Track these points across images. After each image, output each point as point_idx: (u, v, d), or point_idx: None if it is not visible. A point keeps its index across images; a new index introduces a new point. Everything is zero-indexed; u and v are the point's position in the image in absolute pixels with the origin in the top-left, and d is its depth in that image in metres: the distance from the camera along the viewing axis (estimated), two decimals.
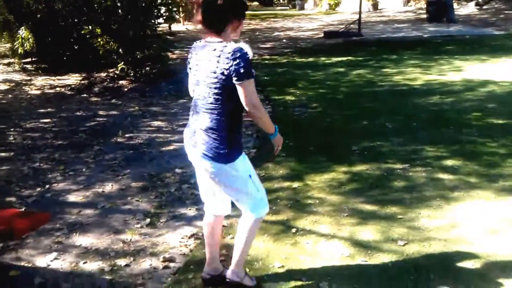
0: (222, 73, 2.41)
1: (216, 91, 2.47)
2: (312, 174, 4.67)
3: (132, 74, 9.16)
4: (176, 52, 12.39)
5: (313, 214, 3.87)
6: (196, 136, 2.60)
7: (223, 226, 3.47)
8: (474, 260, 3.18)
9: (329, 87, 8.60)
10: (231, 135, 2.56)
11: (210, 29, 2.47)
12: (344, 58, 11.49)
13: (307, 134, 5.87)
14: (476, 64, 10.18)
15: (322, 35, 16.77)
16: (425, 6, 21.23)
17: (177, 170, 4.94)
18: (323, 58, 11.79)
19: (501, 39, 13.96)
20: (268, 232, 3.60)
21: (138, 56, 9.08)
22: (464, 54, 11.34)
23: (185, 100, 8.01)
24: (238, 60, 2.37)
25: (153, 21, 9.50)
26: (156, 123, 6.79)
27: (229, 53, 2.38)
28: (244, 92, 2.41)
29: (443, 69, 9.79)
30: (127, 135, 6.18)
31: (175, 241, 3.59)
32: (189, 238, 3.62)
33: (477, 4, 22.71)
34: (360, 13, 16.48)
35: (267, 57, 12.66)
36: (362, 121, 6.33)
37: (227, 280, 2.87)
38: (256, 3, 44.15)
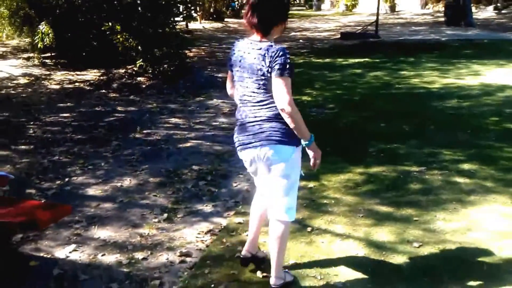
0: (267, 71, 2.57)
1: (264, 87, 2.63)
2: (328, 174, 4.69)
3: (150, 71, 9.24)
4: (193, 50, 12.47)
5: (329, 214, 3.90)
6: (262, 130, 2.66)
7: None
8: (489, 264, 3.18)
9: (345, 88, 8.61)
10: None
11: (259, 30, 2.64)
12: (361, 60, 11.47)
13: (324, 135, 5.83)
14: (494, 68, 10.10)
15: (339, 36, 16.75)
16: (443, 9, 21.09)
17: (194, 167, 4.99)
18: (340, 59, 11.79)
19: None
20: None
21: (157, 54, 9.15)
22: (482, 59, 11.25)
23: (202, 98, 8.09)
24: (279, 58, 2.53)
25: (172, 19, 9.57)
26: (173, 120, 6.86)
27: (273, 52, 2.55)
28: (280, 87, 2.53)
29: (461, 73, 9.73)
30: (145, 131, 6.25)
31: (191, 236, 3.64)
32: (206, 234, 3.67)
33: (495, 8, 22.51)
34: (377, 14, 16.44)
35: None
36: (379, 123, 6.33)
37: (273, 286, 2.91)
38: None
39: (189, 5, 10.56)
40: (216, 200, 4.24)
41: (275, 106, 2.60)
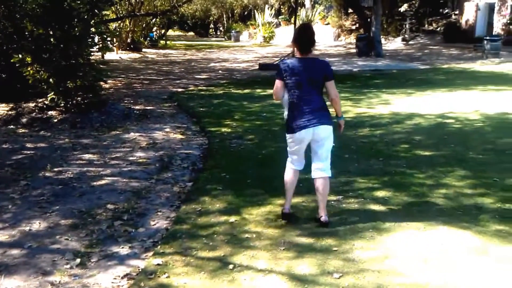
0: (323, 75, 4.16)
1: (320, 86, 4.20)
2: (249, 207, 4.66)
3: (62, 105, 8.83)
4: (109, 81, 12.17)
5: (250, 249, 3.85)
6: (315, 115, 4.17)
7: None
8: None
9: (265, 119, 8.72)
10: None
11: (307, 51, 4.18)
12: None
13: (244, 167, 5.87)
14: (403, 97, 10.67)
15: (257, 67, 17.06)
16: (354, 41, 22.17)
17: (109, 206, 4.78)
18: (258, 90, 11.97)
19: (426, 73, 14.77)
20: (205, 269, 3.54)
21: (70, 86, 8.78)
22: (391, 88, 11.87)
23: (117, 132, 7.84)
24: (330, 68, 4.25)
25: (86, 50, 9.25)
26: (87, 156, 6.55)
27: (325, 64, 4.25)
28: (333, 87, 4.19)
29: (371, 102, 10.18)
30: (56, 169, 5.92)
31: (107, 282, 3.44)
32: (122, 278, 3.49)
33: (403, 39, 23.99)
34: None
35: (203, 88, 12.70)
36: None
37: (325, 222, 4.22)
38: (191, 33, 44.35)
39: (105, 36, 10.30)
40: (133, 241, 4.06)
41: (322, 100, 4.20)
